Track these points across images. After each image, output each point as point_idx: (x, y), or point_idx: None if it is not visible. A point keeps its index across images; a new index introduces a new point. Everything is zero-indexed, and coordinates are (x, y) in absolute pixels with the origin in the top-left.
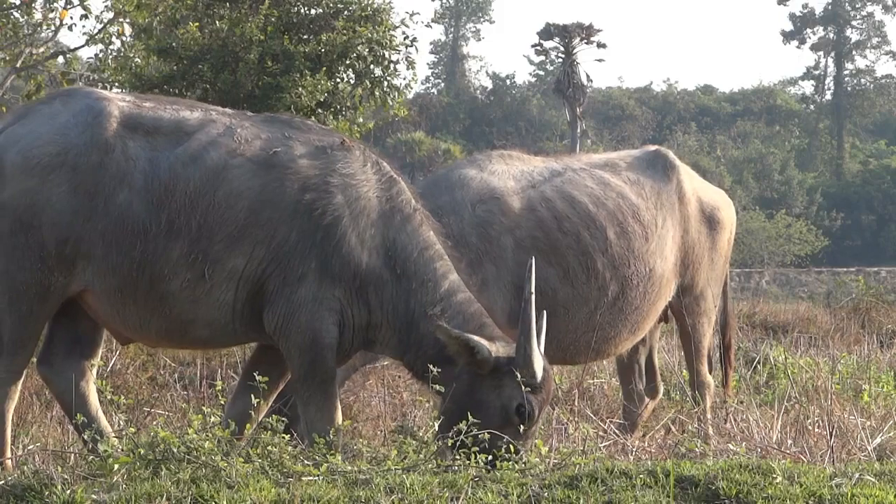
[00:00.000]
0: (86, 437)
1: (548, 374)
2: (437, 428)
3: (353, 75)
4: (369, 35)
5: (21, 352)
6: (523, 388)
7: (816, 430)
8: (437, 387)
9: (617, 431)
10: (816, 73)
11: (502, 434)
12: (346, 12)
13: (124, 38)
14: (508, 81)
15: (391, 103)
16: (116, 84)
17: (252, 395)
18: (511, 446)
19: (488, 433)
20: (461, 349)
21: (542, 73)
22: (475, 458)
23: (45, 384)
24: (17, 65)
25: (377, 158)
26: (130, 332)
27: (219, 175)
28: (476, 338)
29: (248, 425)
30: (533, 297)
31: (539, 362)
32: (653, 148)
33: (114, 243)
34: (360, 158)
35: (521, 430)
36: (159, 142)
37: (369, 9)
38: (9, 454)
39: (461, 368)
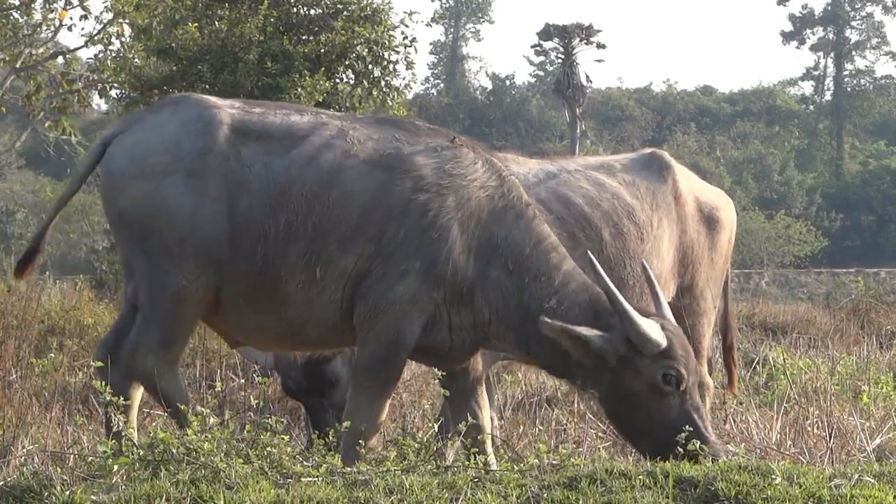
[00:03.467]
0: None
1: (671, 331)
2: (620, 431)
3: (352, 75)
4: (368, 35)
5: (169, 353)
6: (655, 358)
7: (816, 431)
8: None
9: (616, 432)
10: (816, 73)
11: (670, 406)
12: (345, 12)
13: (124, 39)
14: (508, 82)
15: (390, 103)
16: (116, 84)
17: (468, 401)
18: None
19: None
20: (572, 342)
21: (541, 73)
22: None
23: (97, 371)
24: (17, 65)
25: (487, 156)
26: (244, 334)
27: (333, 177)
28: (583, 329)
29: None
30: (610, 283)
31: (653, 330)
32: (648, 150)
33: (238, 248)
34: (471, 157)
35: (682, 391)
36: (272, 146)
37: (368, 9)
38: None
39: (593, 373)
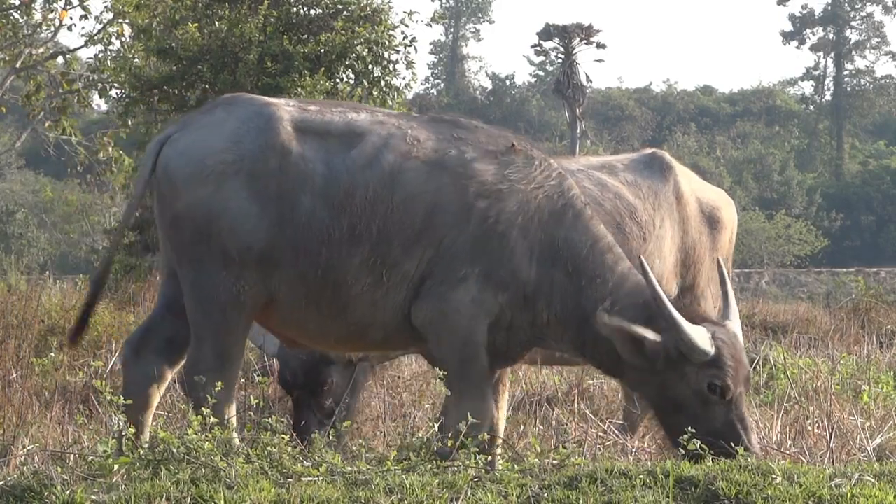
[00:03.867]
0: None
1: (723, 339)
2: (666, 437)
3: (352, 75)
4: (368, 35)
5: (227, 366)
6: (703, 367)
7: (816, 430)
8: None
9: (617, 432)
10: (816, 73)
11: (715, 415)
12: (345, 12)
13: (124, 39)
14: (508, 82)
15: (390, 103)
16: (116, 84)
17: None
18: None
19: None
20: (624, 343)
21: (541, 73)
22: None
23: (122, 367)
24: (17, 65)
25: (544, 157)
26: (306, 338)
27: (395, 178)
28: (638, 327)
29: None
30: (659, 289)
31: (701, 338)
32: (650, 150)
33: (301, 250)
34: (529, 159)
35: (727, 401)
36: (332, 144)
37: (368, 9)
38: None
39: (642, 374)
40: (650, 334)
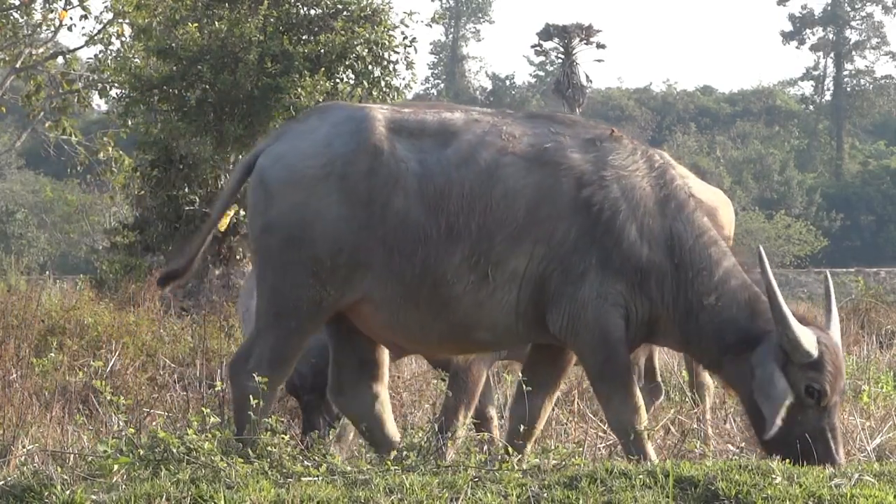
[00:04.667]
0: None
1: (826, 345)
2: (749, 422)
3: (352, 76)
4: (368, 35)
5: (281, 367)
6: (804, 368)
7: None
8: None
9: None
10: (816, 73)
11: (807, 419)
12: (345, 13)
13: (124, 39)
14: (508, 82)
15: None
16: (116, 84)
17: (537, 396)
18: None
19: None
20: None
21: (541, 73)
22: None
23: (342, 413)
24: (17, 65)
25: (646, 147)
26: (409, 340)
27: (493, 175)
28: (779, 374)
29: (534, 427)
30: (775, 285)
31: (807, 339)
32: None
33: (395, 250)
34: (630, 147)
35: (822, 407)
36: (426, 144)
37: (368, 9)
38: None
39: (744, 371)
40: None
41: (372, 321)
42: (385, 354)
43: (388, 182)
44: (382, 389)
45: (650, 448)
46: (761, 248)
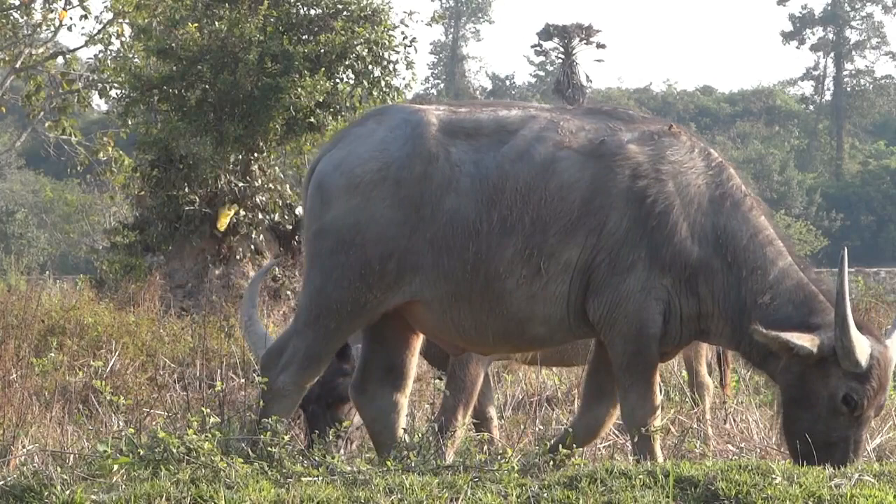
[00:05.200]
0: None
1: (878, 359)
2: (780, 421)
3: (352, 76)
4: (368, 35)
5: (313, 366)
6: (847, 376)
7: None
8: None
9: (617, 432)
10: (816, 73)
11: (836, 425)
12: (345, 13)
13: (123, 39)
14: (508, 82)
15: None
16: (116, 84)
17: (602, 403)
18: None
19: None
20: (782, 347)
21: (541, 73)
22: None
23: (357, 409)
24: (17, 65)
25: (704, 145)
26: (464, 338)
27: (548, 168)
28: (791, 336)
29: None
30: (846, 288)
31: (862, 351)
32: None
33: (444, 248)
34: (688, 144)
35: (855, 417)
36: (482, 143)
37: (368, 9)
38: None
39: (791, 359)
40: (807, 344)
41: (425, 321)
42: (413, 366)
43: (441, 186)
44: (402, 399)
45: (658, 449)
46: (845, 250)
